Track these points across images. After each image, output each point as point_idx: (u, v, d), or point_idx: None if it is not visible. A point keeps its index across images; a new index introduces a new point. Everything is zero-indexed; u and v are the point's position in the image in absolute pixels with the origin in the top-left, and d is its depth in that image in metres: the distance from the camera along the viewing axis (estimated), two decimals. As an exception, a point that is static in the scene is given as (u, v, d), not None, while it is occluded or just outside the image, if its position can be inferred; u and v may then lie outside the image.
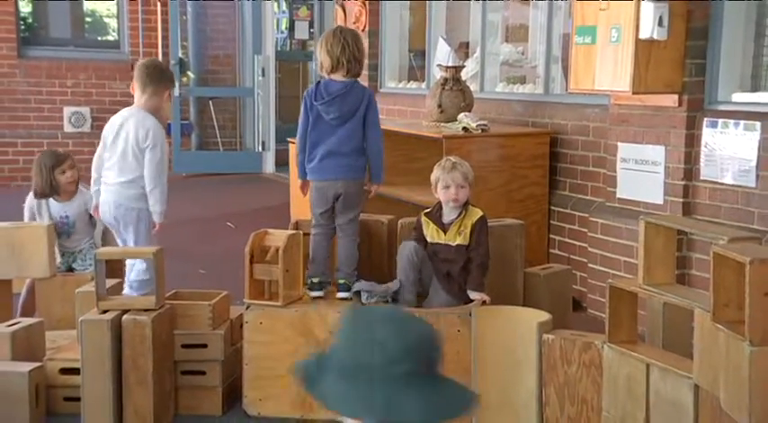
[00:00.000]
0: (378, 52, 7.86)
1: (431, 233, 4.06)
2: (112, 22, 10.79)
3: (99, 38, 10.96)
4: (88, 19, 11.14)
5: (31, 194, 4.94)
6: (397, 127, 6.22)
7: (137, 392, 3.71)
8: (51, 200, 4.90)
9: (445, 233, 4.02)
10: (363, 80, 7.23)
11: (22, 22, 10.00)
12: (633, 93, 4.54)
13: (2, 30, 9.54)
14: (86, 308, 3.91)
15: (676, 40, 4.51)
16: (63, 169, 4.86)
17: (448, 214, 4.05)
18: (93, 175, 4.61)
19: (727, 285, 2.62)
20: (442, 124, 5.83)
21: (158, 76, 4.60)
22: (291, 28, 11.80)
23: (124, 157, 4.49)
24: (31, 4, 10.54)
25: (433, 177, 4.06)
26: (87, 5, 11.12)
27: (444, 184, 3.99)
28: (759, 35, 4.69)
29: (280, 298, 3.89)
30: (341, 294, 4.08)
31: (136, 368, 3.70)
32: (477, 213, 4.04)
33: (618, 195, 5.05)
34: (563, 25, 6.05)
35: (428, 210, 4.15)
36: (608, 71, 4.55)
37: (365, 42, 7.52)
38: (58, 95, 9.77)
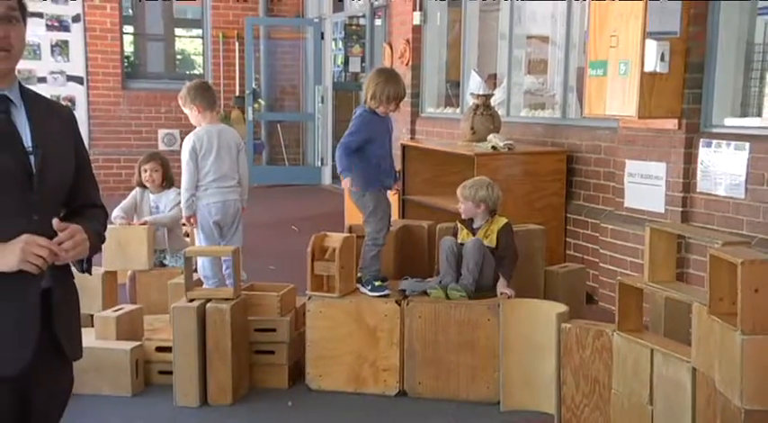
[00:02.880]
0: (419, 82, 7.86)
1: (463, 236, 4.05)
2: (198, 59, 10.92)
3: (187, 72, 11.08)
4: (179, 56, 11.28)
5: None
6: (435, 146, 6.22)
7: (218, 368, 3.73)
8: (147, 191, 4.99)
9: (474, 235, 4.01)
10: (406, 106, 7.28)
11: (125, 60, 10.16)
12: (639, 117, 4.49)
13: (110, 66, 9.72)
14: (177, 297, 3.96)
15: (676, 72, 4.46)
16: (146, 168, 4.96)
17: (477, 221, 4.05)
18: (187, 194, 4.47)
19: (721, 283, 2.58)
20: (474, 144, 5.80)
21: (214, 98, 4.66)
22: (346, 63, 11.84)
23: (231, 165, 4.52)
24: (133, 45, 10.71)
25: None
26: (178, 46, 11.29)
27: (459, 202, 4.08)
28: (747, 69, 4.63)
29: (336, 290, 3.90)
30: (360, 288, 4.03)
31: (217, 348, 3.72)
32: (501, 221, 4.02)
33: (625, 205, 4.99)
34: (577, 60, 6.00)
35: (462, 218, 4.15)
36: (617, 99, 4.51)
37: (408, 75, 7.59)
38: (154, 120, 9.92)
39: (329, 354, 3.91)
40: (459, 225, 4.12)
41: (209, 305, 3.76)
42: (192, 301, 3.81)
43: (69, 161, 1.95)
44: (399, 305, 3.89)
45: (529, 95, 7.00)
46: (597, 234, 5.26)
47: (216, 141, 4.47)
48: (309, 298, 3.94)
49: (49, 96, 2.11)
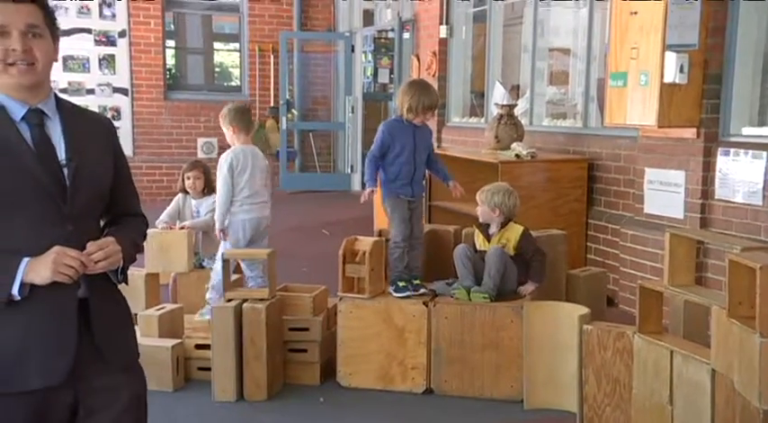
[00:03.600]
0: (445, 93, 7.85)
1: (479, 242, 4.03)
2: (236, 72, 10.99)
3: (225, 84, 11.17)
4: (217, 69, 11.38)
5: None
6: (461, 154, 6.20)
7: (254, 365, 3.75)
8: (189, 197, 5.05)
9: (489, 242, 3.99)
10: (432, 116, 7.26)
11: (167, 73, 10.26)
12: (658, 127, 4.44)
13: (152, 78, 9.83)
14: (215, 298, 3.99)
15: (695, 83, 4.41)
16: (189, 175, 5.04)
17: (492, 227, 4.03)
18: (223, 208, 4.41)
19: (740, 287, 2.54)
20: (499, 152, 5.78)
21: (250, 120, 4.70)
22: (375, 74, 11.85)
23: (261, 183, 4.54)
24: (174, 58, 10.82)
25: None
26: (217, 59, 11.38)
27: (479, 205, 4.05)
28: (765, 80, 4.56)
29: (366, 292, 3.90)
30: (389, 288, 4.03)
31: (253, 345, 3.74)
32: (518, 229, 3.97)
33: (645, 211, 4.93)
34: (597, 71, 5.96)
35: (479, 222, 4.12)
36: (637, 109, 4.47)
37: (435, 86, 7.58)
38: (194, 129, 10.00)
39: (359, 352, 3.91)
40: (476, 230, 4.10)
41: (245, 305, 3.78)
42: (229, 301, 3.83)
43: (105, 172, 1.91)
44: (426, 306, 3.88)
45: (551, 105, 6.97)
46: (617, 239, 5.20)
47: (250, 160, 4.49)
48: (340, 299, 3.95)
49: (96, 107, 2.10)
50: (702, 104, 4.48)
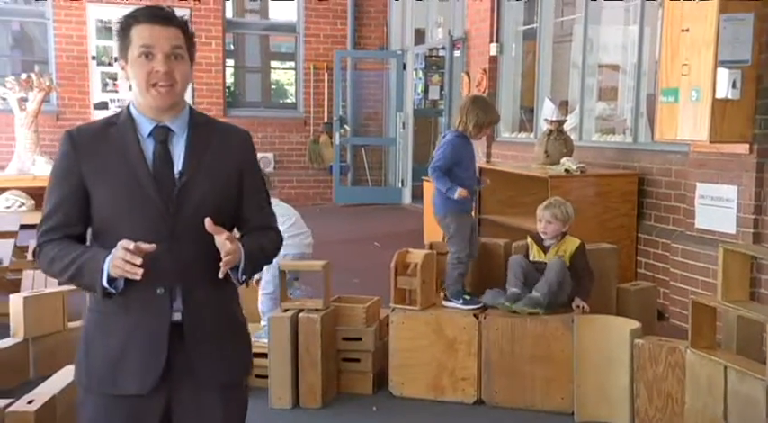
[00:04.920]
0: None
1: (534, 253, 3.97)
2: (291, 89, 11.14)
3: (281, 101, 11.32)
4: (273, 87, 11.55)
5: None
6: (510, 168, 6.16)
7: (309, 373, 3.76)
8: None
9: (545, 253, 3.93)
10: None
11: (227, 90, 10.47)
12: (710, 142, 4.34)
13: (213, 96, 10.03)
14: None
15: (748, 99, 4.30)
16: None
17: (547, 240, 3.97)
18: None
19: (796, 303, 2.47)
20: (548, 167, 5.72)
21: None
22: (426, 91, 11.87)
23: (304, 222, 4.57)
24: (233, 76, 11.01)
25: (537, 213, 4.01)
26: (273, 77, 11.56)
27: (538, 219, 3.94)
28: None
29: (418, 303, 3.88)
30: (447, 302, 4.01)
31: (308, 354, 3.75)
32: (575, 242, 3.91)
33: (696, 226, 4.82)
34: (647, 87, 5.87)
35: (533, 234, 4.07)
36: (689, 124, 4.38)
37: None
38: (251, 144, 10.17)
39: (411, 362, 3.89)
40: (529, 241, 4.03)
41: (301, 315, 3.80)
42: (285, 310, 3.86)
43: (224, 187, 1.86)
44: (477, 318, 3.85)
45: (600, 121, 6.88)
46: (668, 253, 5.09)
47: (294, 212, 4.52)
48: (393, 310, 3.94)
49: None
50: (755, 120, 4.37)
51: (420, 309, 3.88)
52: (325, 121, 10.55)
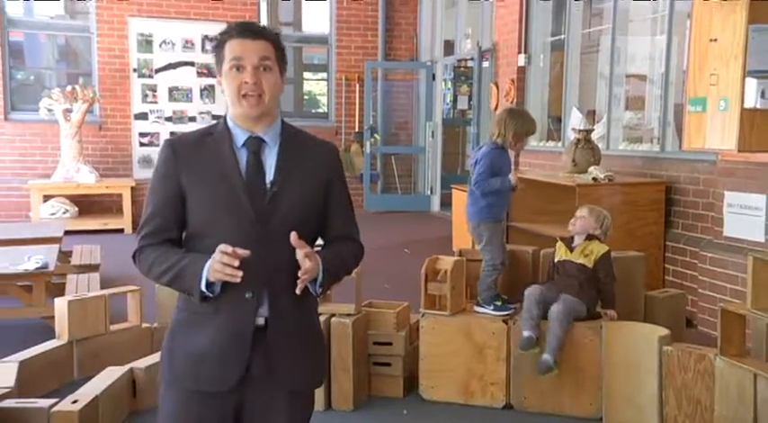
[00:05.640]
0: (523, 119, 7.77)
1: (561, 253, 3.92)
2: (323, 99, 11.19)
3: (313, 111, 11.38)
4: (306, 97, 11.61)
5: None
6: (539, 177, 6.12)
7: (341, 377, 3.76)
8: None
9: (572, 252, 3.89)
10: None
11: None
12: (738, 151, 4.25)
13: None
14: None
15: (776, 107, 4.22)
16: None
17: (576, 240, 3.94)
18: None
19: (828, 312, 2.41)
20: (576, 175, 5.68)
21: None
22: (455, 101, 11.88)
23: None
24: (266, 87, 11.08)
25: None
26: (306, 87, 11.62)
27: (572, 220, 3.94)
28: None
29: (447, 309, 3.87)
30: (479, 308, 3.99)
31: (340, 358, 3.75)
32: (603, 247, 3.87)
33: (725, 234, 4.74)
34: (674, 96, 5.80)
35: (564, 237, 4.03)
36: (717, 134, 4.30)
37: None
38: (285, 153, 10.22)
39: (441, 367, 3.88)
40: (559, 243, 3.99)
41: (333, 319, 3.80)
42: (318, 315, 3.86)
43: (312, 197, 1.89)
44: (506, 324, 3.83)
45: (627, 130, 6.81)
46: (696, 261, 5.02)
47: None
48: (423, 315, 3.93)
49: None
50: (784, 129, 4.29)
51: (450, 314, 3.87)
52: (356, 130, 10.58)
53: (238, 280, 1.72)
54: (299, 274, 1.76)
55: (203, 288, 1.78)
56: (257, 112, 1.84)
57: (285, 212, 1.83)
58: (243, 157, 1.86)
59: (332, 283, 1.91)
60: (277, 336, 1.84)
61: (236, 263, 1.71)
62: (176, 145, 1.90)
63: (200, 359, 1.84)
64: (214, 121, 2.02)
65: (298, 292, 1.79)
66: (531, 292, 3.79)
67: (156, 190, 1.88)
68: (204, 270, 1.76)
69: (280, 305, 1.84)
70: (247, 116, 1.85)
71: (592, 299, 3.80)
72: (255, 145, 1.86)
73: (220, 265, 1.71)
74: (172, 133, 9.16)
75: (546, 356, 3.61)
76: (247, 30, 1.85)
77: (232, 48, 1.83)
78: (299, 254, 1.77)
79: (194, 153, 1.87)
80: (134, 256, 1.90)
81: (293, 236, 1.76)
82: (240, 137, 1.87)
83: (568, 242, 3.95)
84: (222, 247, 1.73)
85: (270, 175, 1.85)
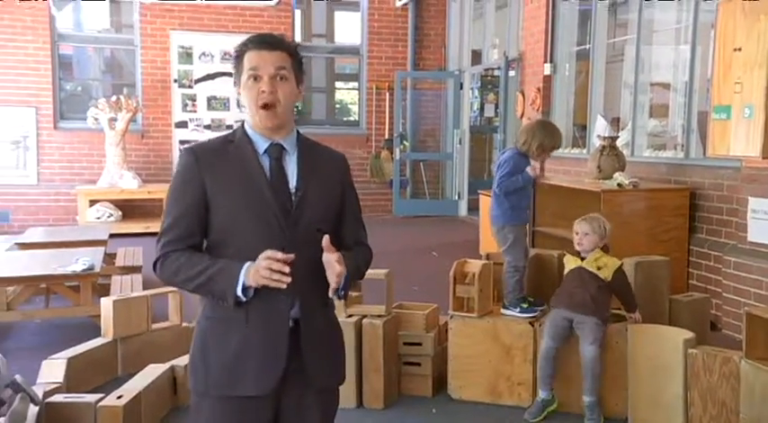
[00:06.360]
0: (548, 126, 7.72)
1: (569, 264, 3.73)
2: (354, 108, 11.22)
3: (344, 119, 11.42)
4: (337, 106, 11.66)
5: None
6: (564, 183, 6.07)
7: (372, 376, 3.77)
8: None
9: (582, 260, 3.67)
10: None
11: (295, 109, 10.58)
12: (763, 158, 4.20)
13: (283, 115, 10.18)
14: (337, 313, 4.01)
15: (801, 115, 4.14)
16: None
17: (583, 252, 3.69)
18: None
19: None
20: (601, 181, 5.62)
21: None
22: (482, 109, 11.84)
23: None
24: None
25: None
26: (338, 96, 11.67)
27: (575, 232, 3.72)
28: None
29: (475, 311, 3.85)
30: (505, 311, 3.96)
31: (371, 358, 3.76)
32: (616, 261, 3.64)
33: (749, 239, 4.66)
34: (698, 104, 5.71)
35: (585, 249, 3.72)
36: (741, 141, 4.25)
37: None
38: (317, 159, 10.27)
39: (469, 367, 3.86)
40: (567, 258, 3.78)
41: (364, 320, 3.80)
42: (350, 316, 3.87)
43: (331, 203, 1.91)
44: (532, 326, 3.80)
45: (651, 137, 6.73)
46: (720, 266, 4.94)
47: None
48: (451, 317, 3.92)
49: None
50: (808, 136, 4.20)
51: (477, 316, 3.85)
52: (386, 137, 10.59)
53: (284, 286, 1.71)
54: (333, 276, 1.76)
55: (239, 293, 1.76)
56: (273, 124, 1.85)
57: (309, 216, 1.84)
58: (265, 163, 1.86)
59: (351, 287, 1.91)
60: (308, 336, 1.85)
61: (287, 269, 1.70)
62: (198, 151, 1.87)
63: (237, 364, 1.81)
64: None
65: (331, 294, 1.79)
66: (545, 351, 3.62)
67: (178, 197, 1.85)
68: (241, 274, 1.75)
69: (308, 306, 1.84)
70: (266, 126, 1.86)
71: (605, 304, 3.63)
72: (277, 152, 1.87)
73: (268, 271, 1.70)
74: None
75: (588, 399, 3.54)
76: (264, 41, 1.86)
77: (250, 59, 1.84)
78: (330, 258, 1.76)
79: (216, 158, 1.85)
80: (155, 263, 1.84)
81: (326, 240, 1.76)
82: (261, 144, 1.87)
83: (575, 253, 3.73)
84: (270, 252, 1.72)
85: (293, 181, 1.85)
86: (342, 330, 2.03)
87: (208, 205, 1.83)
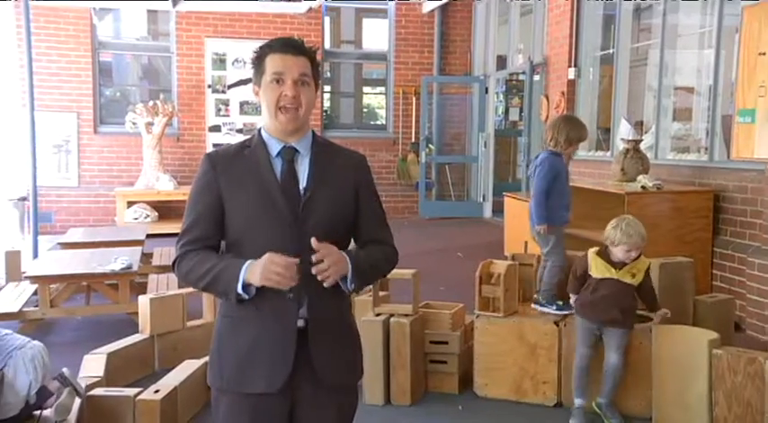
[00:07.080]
0: (572, 130, 7.64)
1: (599, 269, 3.46)
2: (381, 112, 11.24)
3: (372, 123, 11.43)
4: (365, 109, 11.68)
5: None
6: (588, 185, 6.01)
7: (399, 373, 3.76)
8: None
9: (615, 270, 3.43)
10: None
11: (324, 113, 10.66)
12: (788, 160, 4.12)
13: (311, 119, 10.12)
14: (365, 312, 4.00)
15: (826, 117, 4.06)
16: None
17: (616, 256, 3.44)
18: None
19: None
20: (625, 183, 5.56)
21: None
22: (506, 112, 11.77)
23: None
24: (330, 101, 11.21)
25: (611, 236, 3.40)
26: (365, 101, 11.70)
27: (626, 249, 3.37)
28: None
29: (501, 310, 3.84)
30: (539, 307, 3.94)
31: (399, 356, 3.76)
32: (645, 263, 3.49)
33: (773, 241, 4.58)
34: (721, 108, 5.62)
35: (597, 249, 3.52)
36: (765, 143, 4.17)
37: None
38: (345, 162, 10.30)
39: (494, 366, 3.84)
40: (592, 256, 3.51)
41: (392, 319, 3.80)
42: (378, 315, 3.88)
43: (344, 203, 1.89)
44: (557, 326, 3.77)
45: (674, 140, 6.63)
46: (744, 267, 4.85)
47: None
48: (477, 316, 3.90)
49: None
50: (834, 138, 4.12)
51: (503, 316, 3.83)
52: (413, 140, 10.59)
53: (287, 288, 1.73)
54: (313, 271, 1.74)
55: (240, 290, 1.76)
56: (293, 127, 1.86)
57: (319, 216, 1.83)
58: (278, 165, 1.86)
59: (364, 281, 1.88)
60: (317, 335, 1.83)
61: (291, 272, 1.70)
62: (215, 158, 1.89)
63: (247, 361, 1.82)
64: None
65: (326, 285, 1.76)
66: (583, 361, 3.53)
67: (196, 201, 1.88)
68: (242, 272, 1.75)
69: (318, 305, 1.83)
70: (285, 129, 1.86)
71: (634, 311, 3.51)
72: (290, 154, 1.87)
73: (274, 273, 1.71)
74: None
75: (603, 400, 3.51)
76: (289, 45, 1.85)
77: (274, 62, 1.83)
78: (317, 256, 1.73)
79: (232, 163, 1.86)
80: (174, 263, 1.87)
81: (313, 240, 1.74)
82: (275, 147, 1.88)
83: (605, 256, 3.46)
84: (274, 257, 1.71)
85: (303, 182, 1.85)
86: (356, 329, 2.01)
87: (223, 208, 1.85)
